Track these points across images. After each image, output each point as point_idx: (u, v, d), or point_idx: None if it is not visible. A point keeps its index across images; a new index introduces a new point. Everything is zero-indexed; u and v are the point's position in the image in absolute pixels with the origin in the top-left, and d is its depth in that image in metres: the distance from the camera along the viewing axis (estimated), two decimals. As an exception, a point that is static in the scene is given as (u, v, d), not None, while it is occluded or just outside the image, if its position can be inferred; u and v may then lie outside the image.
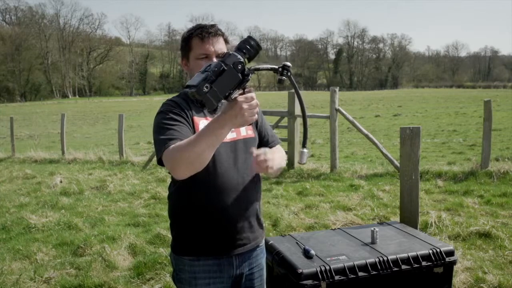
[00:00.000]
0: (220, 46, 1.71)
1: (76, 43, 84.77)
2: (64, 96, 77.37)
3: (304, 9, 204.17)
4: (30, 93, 72.04)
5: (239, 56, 1.34)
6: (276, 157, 1.61)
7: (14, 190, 7.53)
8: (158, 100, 53.48)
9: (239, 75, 1.32)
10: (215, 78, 1.29)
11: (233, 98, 1.35)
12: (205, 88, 1.27)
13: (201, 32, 1.69)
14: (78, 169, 9.40)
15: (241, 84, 1.34)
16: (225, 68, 1.30)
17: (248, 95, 1.38)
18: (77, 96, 77.57)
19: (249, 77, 1.37)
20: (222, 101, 1.33)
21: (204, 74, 1.30)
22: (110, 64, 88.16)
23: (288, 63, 1.43)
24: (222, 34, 1.73)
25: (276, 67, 1.44)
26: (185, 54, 1.74)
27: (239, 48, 1.37)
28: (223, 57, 1.35)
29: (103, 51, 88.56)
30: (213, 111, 1.36)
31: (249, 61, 1.40)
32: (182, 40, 1.75)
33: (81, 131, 21.66)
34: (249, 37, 1.40)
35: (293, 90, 8.23)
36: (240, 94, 1.38)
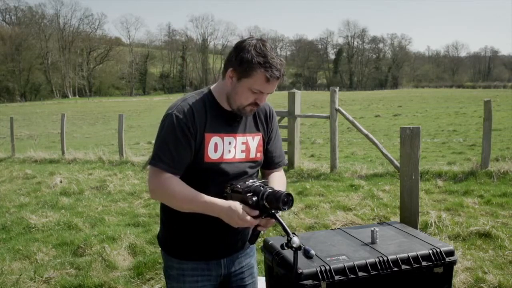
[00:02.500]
0: (274, 88, 1.61)
1: (76, 43, 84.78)
2: (64, 96, 77.38)
3: (304, 9, 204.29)
4: (30, 93, 72.07)
5: (255, 199, 1.52)
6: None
7: (14, 190, 7.53)
8: (158, 100, 53.46)
9: (249, 202, 1.52)
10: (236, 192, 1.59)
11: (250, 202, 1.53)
12: (249, 200, 1.53)
13: (271, 72, 1.54)
14: (78, 169, 9.40)
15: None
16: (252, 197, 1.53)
17: (252, 220, 1.52)
18: (77, 96, 77.57)
19: (261, 216, 1.54)
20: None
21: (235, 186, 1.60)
22: (110, 64, 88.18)
23: (297, 244, 1.46)
24: (283, 75, 1.60)
25: (290, 234, 1.47)
26: (238, 73, 1.57)
27: (268, 195, 1.51)
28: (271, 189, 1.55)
29: (103, 51, 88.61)
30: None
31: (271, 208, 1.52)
32: (243, 58, 1.55)
33: (81, 131, 21.67)
34: (285, 201, 1.49)
35: (293, 90, 8.26)
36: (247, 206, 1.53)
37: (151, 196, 1.65)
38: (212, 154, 1.63)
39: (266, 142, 1.80)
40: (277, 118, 8.04)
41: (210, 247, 1.72)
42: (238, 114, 1.67)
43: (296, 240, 1.45)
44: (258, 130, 1.76)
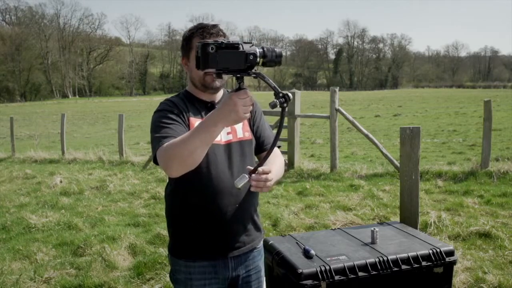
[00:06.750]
0: None
1: (76, 43, 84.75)
2: (64, 96, 77.32)
3: (304, 9, 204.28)
4: (30, 93, 72.04)
5: (257, 51, 1.35)
6: (273, 169, 1.56)
7: (14, 190, 7.53)
8: (158, 100, 53.23)
9: (245, 65, 1.34)
10: (225, 48, 1.31)
11: (224, 78, 1.41)
12: (210, 49, 1.30)
13: (203, 33, 1.66)
14: (78, 169, 9.40)
15: (240, 73, 1.36)
16: (239, 49, 1.33)
17: (242, 91, 1.39)
18: (77, 96, 77.52)
19: (251, 75, 1.37)
20: (213, 71, 1.35)
21: (220, 42, 1.33)
22: (110, 64, 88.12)
23: (291, 95, 1.37)
24: (224, 35, 1.69)
25: (279, 91, 1.35)
26: (185, 53, 1.72)
27: (263, 48, 1.38)
28: (248, 42, 1.39)
29: (103, 51, 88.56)
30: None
31: (263, 66, 1.41)
32: (183, 39, 1.72)
33: (81, 131, 21.67)
34: (278, 51, 1.40)
35: (293, 90, 8.25)
36: (235, 91, 1.39)
37: (171, 174, 1.53)
38: None
39: (254, 127, 1.82)
40: (277, 118, 8.04)
41: (215, 242, 1.71)
42: (212, 102, 1.73)
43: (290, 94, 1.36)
44: None
